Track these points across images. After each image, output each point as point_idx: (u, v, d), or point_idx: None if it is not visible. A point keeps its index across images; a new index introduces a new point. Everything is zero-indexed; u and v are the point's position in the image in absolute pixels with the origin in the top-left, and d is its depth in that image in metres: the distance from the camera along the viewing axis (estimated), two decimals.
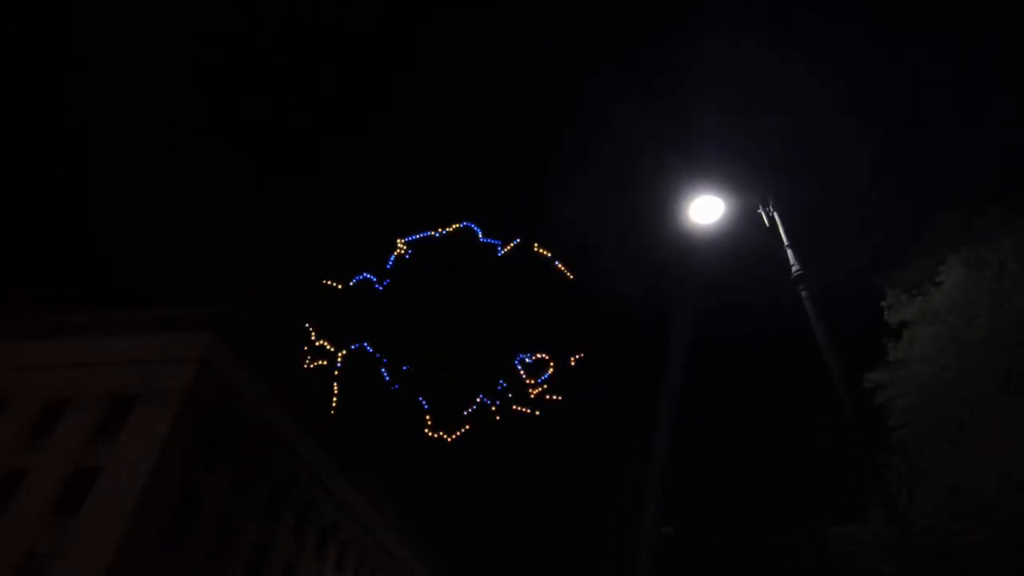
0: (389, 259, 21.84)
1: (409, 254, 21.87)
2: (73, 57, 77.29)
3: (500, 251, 21.94)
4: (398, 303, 21.92)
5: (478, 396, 22.21)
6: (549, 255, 21.67)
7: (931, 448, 14.03)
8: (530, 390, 22.04)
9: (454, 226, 21.88)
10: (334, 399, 24.55)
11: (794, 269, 7.93)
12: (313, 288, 22.73)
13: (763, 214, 8.63)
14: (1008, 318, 13.45)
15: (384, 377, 21.91)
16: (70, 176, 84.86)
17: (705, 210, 9.14)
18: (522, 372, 22.10)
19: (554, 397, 22.24)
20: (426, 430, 22.31)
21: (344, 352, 22.35)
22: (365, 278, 22.02)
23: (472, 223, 21.97)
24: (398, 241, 21.87)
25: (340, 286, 22.30)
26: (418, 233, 21.86)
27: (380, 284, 21.82)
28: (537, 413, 22.31)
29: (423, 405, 22.19)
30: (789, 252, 8.10)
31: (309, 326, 22.60)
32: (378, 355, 22.09)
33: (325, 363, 22.59)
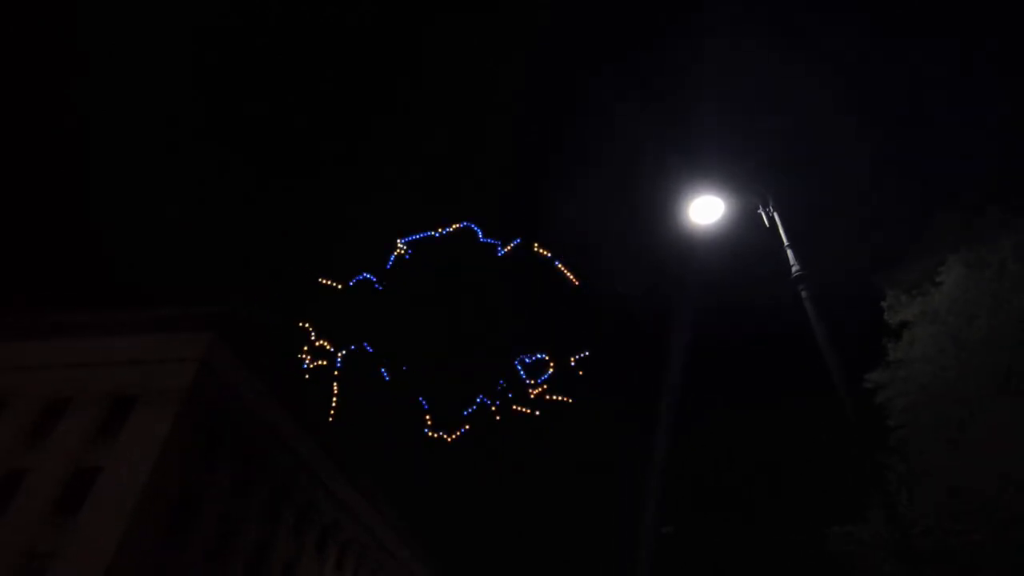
0: (389, 259, 21.89)
1: (409, 254, 21.90)
2: (73, 57, 77.34)
3: (500, 251, 21.98)
4: (398, 303, 21.96)
5: (478, 396, 22.27)
6: (549, 255, 21.72)
7: (931, 448, 14.04)
8: (530, 390, 22.09)
9: (454, 226, 21.92)
10: (334, 399, 24.61)
11: (794, 269, 7.93)
12: (313, 288, 22.77)
13: (763, 214, 8.63)
14: (1008, 318, 13.46)
15: (384, 377, 21.94)
16: (70, 176, 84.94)
17: (705, 210, 9.13)
18: (522, 372, 22.14)
19: (554, 397, 22.29)
20: (426, 430, 22.37)
21: (344, 352, 22.39)
22: (365, 278, 22.05)
23: (472, 223, 22.03)
24: (398, 241, 21.91)
25: (340, 286, 22.33)
26: (418, 233, 21.93)
27: (380, 284, 21.85)
28: (537, 413, 22.36)
29: (423, 405, 22.25)
30: (789, 252, 8.10)
31: (309, 326, 22.64)
32: (378, 355, 22.13)
33: (325, 363, 22.64)
